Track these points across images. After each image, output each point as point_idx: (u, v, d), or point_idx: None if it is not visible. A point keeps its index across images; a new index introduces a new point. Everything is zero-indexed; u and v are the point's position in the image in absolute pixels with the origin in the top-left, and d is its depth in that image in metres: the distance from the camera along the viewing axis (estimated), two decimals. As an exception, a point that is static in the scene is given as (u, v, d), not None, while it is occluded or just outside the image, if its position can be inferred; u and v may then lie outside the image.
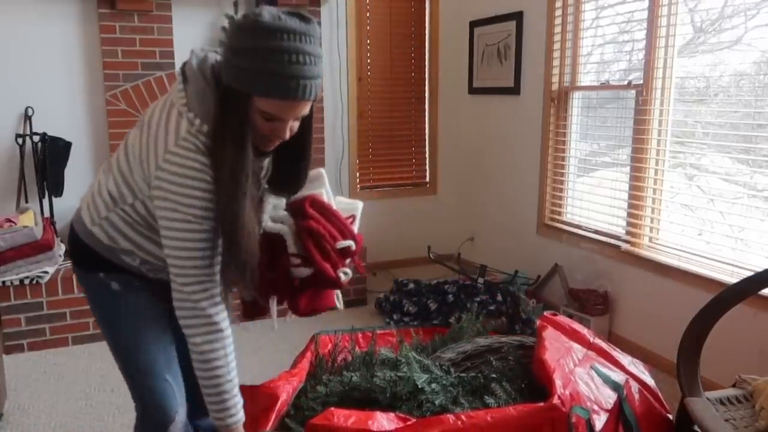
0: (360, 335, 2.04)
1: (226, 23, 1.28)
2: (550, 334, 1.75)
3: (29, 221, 3.26)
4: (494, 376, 1.62)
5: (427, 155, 4.69)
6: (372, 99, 4.46)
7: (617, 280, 3.26)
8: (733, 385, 1.85)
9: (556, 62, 3.59)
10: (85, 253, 1.53)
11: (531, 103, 3.81)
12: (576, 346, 1.75)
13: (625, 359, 1.83)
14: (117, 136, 3.68)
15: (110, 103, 3.66)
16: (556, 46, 3.58)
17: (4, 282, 3.12)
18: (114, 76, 3.65)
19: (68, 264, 3.40)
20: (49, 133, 3.53)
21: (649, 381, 1.81)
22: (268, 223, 1.55)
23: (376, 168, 4.52)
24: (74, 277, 1.64)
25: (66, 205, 3.67)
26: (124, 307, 1.53)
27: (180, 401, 1.53)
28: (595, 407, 1.53)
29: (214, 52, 1.39)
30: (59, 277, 3.24)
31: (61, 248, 3.48)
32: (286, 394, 1.55)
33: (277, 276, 1.52)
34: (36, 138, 3.50)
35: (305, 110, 1.32)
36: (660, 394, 1.81)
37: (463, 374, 1.66)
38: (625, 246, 3.20)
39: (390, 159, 4.56)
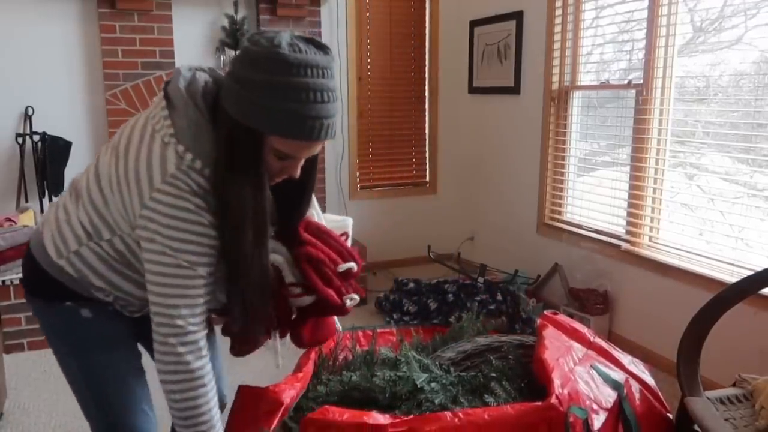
0: (361, 333, 2.04)
1: (233, 52, 1.20)
2: (550, 333, 1.75)
3: (29, 220, 3.27)
4: (494, 375, 1.62)
5: (427, 155, 4.69)
6: (372, 99, 4.46)
7: (617, 280, 3.26)
8: (733, 385, 1.84)
9: (556, 62, 3.59)
10: (47, 284, 1.32)
11: (531, 102, 3.81)
12: (576, 345, 1.75)
13: (625, 359, 1.83)
14: (117, 136, 3.67)
15: (110, 102, 3.66)
16: (556, 45, 3.58)
17: (4, 281, 3.12)
18: (114, 75, 3.65)
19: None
20: (49, 133, 3.53)
21: (649, 380, 1.81)
22: None
23: (376, 168, 4.52)
24: (32, 309, 1.38)
25: (66, 205, 3.68)
26: (96, 334, 1.35)
27: None
28: (595, 406, 1.53)
29: (202, 71, 1.24)
30: (59, 277, 3.24)
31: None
32: (290, 398, 1.54)
33: (276, 308, 1.40)
34: (36, 137, 3.51)
35: (318, 149, 1.22)
36: (660, 393, 1.81)
37: (463, 373, 1.66)
38: (625, 245, 3.20)
39: (390, 159, 4.56)
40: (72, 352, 1.37)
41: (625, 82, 3.20)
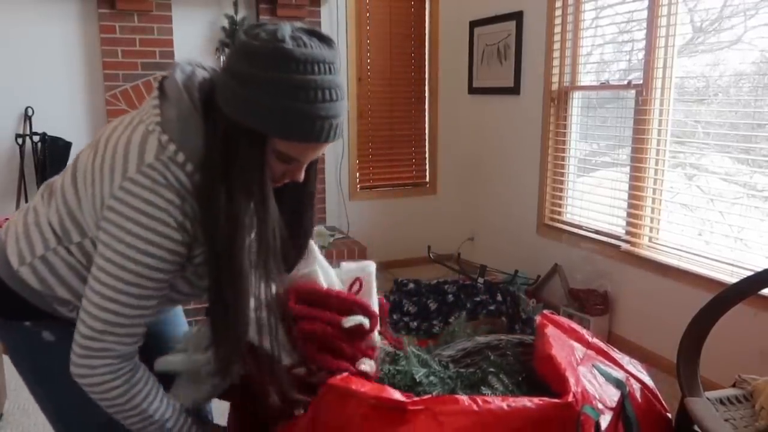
0: None
1: (229, 43, 1.08)
2: (552, 332, 1.75)
3: (29, 221, 3.26)
4: (492, 369, 1.62)
5: (427, 155, 4.69)
6: (372, 99, 4.46)
7: (617, 280, 3.26)
8: (733, 385, 1.84)
9: (556, 62, 3.59)
10: (5, 297, 1.19)
11: (531, 103, 3.81)
12: (576, 344, 1.75)
13: (623, 359, 1.83)
14: (117, 136, 3.68)
15: (110, 103, 3.66)
16: (556, 46, 3.58)
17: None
18: (114, 76, 3.65)
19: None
20: (49, 133, 3.53)
21: (648, 381, 1.81)
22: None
23: (376, 168, 4.52)
24: None
25: (66, 205, 3.68)
26: (61, 361, 1.13)
27: None
28: (600, 406, 1.53)
29: (202, 68, 1.15)
30: (59, 277, 3.24)
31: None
32: None
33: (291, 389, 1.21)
34: (36, 138, 3.51)
35: (323, 151, 1.11)
36: (659, 393, 1.81)
37: (462, 370, 1.66)
38: (625, 246, 3.20)
39: (390, 159, 4.56)
40: (37, 381, 1.26)
41: (625, 82, 3.20)
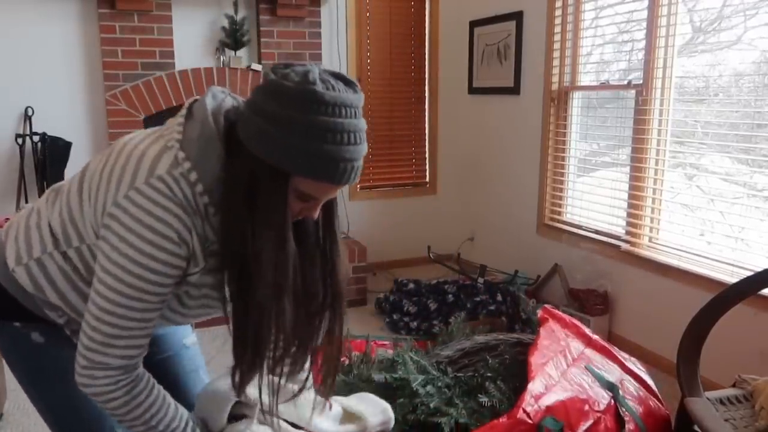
0: (352, 343, 2.02)
1: (261, 78, 1.04)
2: (546, 332, 1.74)
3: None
4: (489, 375, 1.62)
5: (427, 155, 4.69)
6: (372, 99, 4.46)
7: (617, 280, 3.26)
8: (733, 385, 1.85)
9: (555, 62, 3.59)
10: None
11: (531, 103, 3.81)
12: (573, 344, 1.75)
13: (623, 357, 1.84)
14: (117, 136, 3.67)
15: (110, 102, 3.66)
16: (556, 45, 3.58)
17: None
18: (114, 76, 3.65)
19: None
20: (49, 133, 3.53)
21: (648, 380, 1.81)
22: None
23: (376, 168, 4.52)
24: None
25: (66, 205, 3.68)
26: (52, 362, 1.20)
27: None
28: (586, 408, 1.53)
29: (233, 98, 1.16)
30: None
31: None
32: None
33: None
34: (36, 138, 3.51)
35: (338, 191, 1.14)
36: (659, 393, 1.81)
37: (459, 374, 1.66)
38: (625, 246, 3.20)
39: (390, 159, 4.55)
40: (30, 382, 1.26)
41: (625, 82, 3.20)
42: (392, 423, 1.38)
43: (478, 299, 3.49)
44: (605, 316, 3.28)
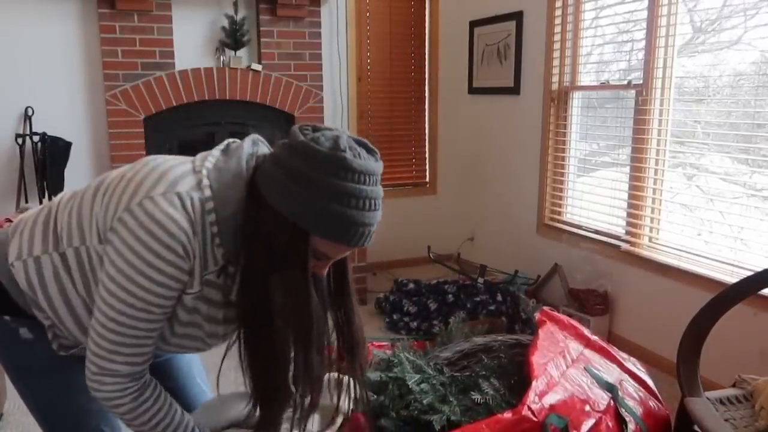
0: None
1: (286, 139, 1.06)
2: (546, 332, 1.74)
3: (29, 221, 3.26)
4: (483, 373, 1.62)
5: (426, 155, 4.69)
6: (372, 99, 4.46)
7: (617, 280, 3.26)
8: (733, 385, 1.85)
9: (555, 62, 3.60)
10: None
11: (531, 103, 3.81)
12: (572, 344, 1.75)
13: (623, 357, 1.84)
14: (117, 136, 3.68)
15: (110, 103, 3.66)
16: (556, 46, 3.58)
17: (4, 282, 3.12)
18: (114, 76, 3.65)
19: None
20: (49, 133, 3.53)
21: (648, 381, 1.81)
22: None
23: (376, 168, 4.51)
24: None
25: (66, 205, 3.67)
26: (38, 360, 1.23)
27: None
28: (587, 408, 1.53)
29: (267, 148, 1.19)
30: (59, 277, 3.24)
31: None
32: None
33: None
34: (36, 138, 3.51)
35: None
36: (659, 393, 1.81)
37: (457, 374, 1.66)
38: (624, 246, 3.20)
39: (390, 159, 4.55)
40: (18, 377, 1.28)
41: (625, 82, 3.20)
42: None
43: (478, 299, 3.49)
44: (605, 316, 3.28)
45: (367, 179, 1.05)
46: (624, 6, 3.19)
